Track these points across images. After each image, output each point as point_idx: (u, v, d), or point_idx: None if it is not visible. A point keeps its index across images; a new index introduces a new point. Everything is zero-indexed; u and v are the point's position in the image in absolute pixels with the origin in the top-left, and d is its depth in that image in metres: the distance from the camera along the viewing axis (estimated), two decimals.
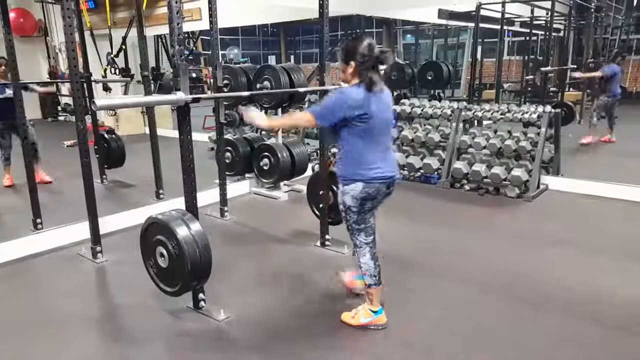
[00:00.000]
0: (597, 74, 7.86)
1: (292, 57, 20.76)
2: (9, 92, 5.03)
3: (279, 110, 5.39)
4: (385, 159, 2.63)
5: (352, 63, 2.51)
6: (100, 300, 3.30)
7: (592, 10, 10.98)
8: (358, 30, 10.79)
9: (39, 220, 4.15)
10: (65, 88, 11.68)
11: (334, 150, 6.60)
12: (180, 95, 2.57)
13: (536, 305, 3.00)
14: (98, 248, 3.73)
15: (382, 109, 2.55)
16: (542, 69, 8.24)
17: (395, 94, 8.81)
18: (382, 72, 2.58)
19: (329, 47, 3.68)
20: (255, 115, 2.75)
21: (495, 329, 2.75)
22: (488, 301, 3.06)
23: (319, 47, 3.63)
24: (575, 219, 4.65)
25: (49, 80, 11.53)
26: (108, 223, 4.19)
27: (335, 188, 3.81)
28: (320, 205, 3.84)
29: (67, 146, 8.13)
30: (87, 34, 6.10)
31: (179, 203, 3.09)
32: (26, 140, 4.22)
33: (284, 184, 5.55)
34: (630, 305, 2.97)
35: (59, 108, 12.25)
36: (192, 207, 2.79)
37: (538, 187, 5.32)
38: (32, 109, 12.10)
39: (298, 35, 21.78)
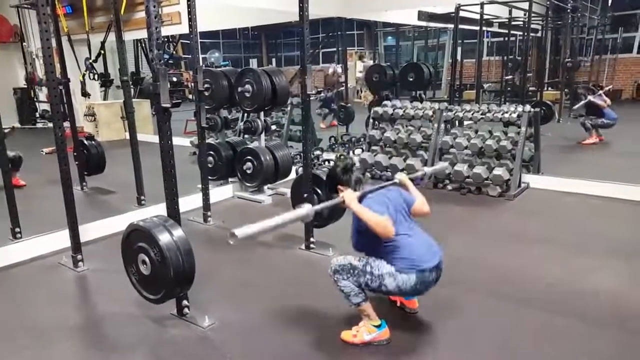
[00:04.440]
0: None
1: (273, 60, 20.76)
2: None
3: (261, 113, 5.37)
4: (424, 242, 2.63)
5: (341, 187, 2.66)
6: (82, 309, 3.24)
7: (569, 10, 11.18)
8: (339, 33, 10.80)
9: (17, 230, 4.06)
10: (43, 94, 11.52)
11: (317, 152, 6.62)
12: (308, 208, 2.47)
13: (520, 302, 3.03)
14: (79, 256, 3.66)
15: (392, 204, 2.61)
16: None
17: (376, 96, 8.84)
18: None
19: (310, 50, 3.68)
20: (351, 195, 2.55)
21: (480, 327, 2.77)
22: (472, 300, 3.08)
23: (301, 50, 3.62)
24: (556, 217, 4.72)
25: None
26: (89, 231, 4.13)
27: (319, 191, 3.83)
28: None
29: (45, 153, 7.99)
30: (64, 39, 6.00)
31: (161, 209, 3.06)
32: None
33: (268, 188, 5.53)
34: (613, 301, 3.01)
35: (37, 114, 12.04)
36: (174, 213, 2.76)
37: (519, 185, 5.39)
38: (8, 116, 11.90)
39: (279, 38, 21.74)
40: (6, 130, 5.68)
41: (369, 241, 2.55)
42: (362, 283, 2.54)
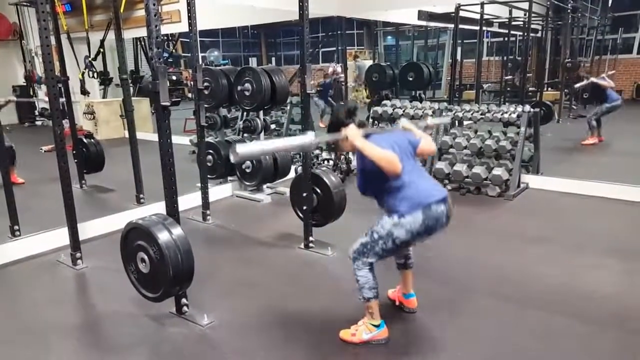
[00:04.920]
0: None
1: (273, 59, 20.72)
2: None
3: (261, 112, 5.37)
4: (428, 181, 2.55)
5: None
6: (80, 307, 3.24)
7: (569, 11, 11.17)
8: (339, 32, 10.81)
9: (16, 227, 4.06)
10: (42, 92, 11.51)
11: (316, 152, 6.61)
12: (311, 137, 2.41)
13: (519, 302, 3.03)
14: (78, 254, 3.66)
15: (397, 144, 2.49)
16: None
17: (376, 95, 8.85)
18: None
19: (310, 49, 3.67)
20: (354, 131, 2.44)
21: (479, 326, 2.77)
22: (472, 299, 3.08)
23: (300, 49, 3.62)
24: (555, 217, 4.72)
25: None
26: (88, 229, 4.13)
27: (319, 190, 3.83)
28: (304, 208, 3.83)
29: (44, 151, 7.98)
30: (64, 37, 5.99)
31: (160, 207, 3.06)
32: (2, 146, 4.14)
33: (267, 187, 5.53)
34: (612, 301, 3.02)
35: (36, 112, 12.03)
36: (173, 212, 2.75)
37: (518, 185, 5.39)
38: (7, 114, 11.88)
39: (279, 37, 21.71)
40: (1, 101, 5.68)
41: (374, 181, 2.46)
42: (381, 253, 2.48)
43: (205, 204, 4.68)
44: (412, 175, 2.45)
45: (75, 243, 3.66)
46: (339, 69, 11.42)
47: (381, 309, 2.64)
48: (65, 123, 4.86)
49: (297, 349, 2.60)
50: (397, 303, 2.94)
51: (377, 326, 2.58)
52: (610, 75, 8.68)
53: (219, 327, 2.80)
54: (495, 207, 5.01)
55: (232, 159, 2.21)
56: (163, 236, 2.55)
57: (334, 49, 12.23)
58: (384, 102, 6.82)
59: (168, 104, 2.62)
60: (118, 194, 5.72)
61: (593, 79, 8.13)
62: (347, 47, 11.66)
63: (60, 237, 3.89)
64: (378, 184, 2.46)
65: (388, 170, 2.33)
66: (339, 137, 2.49)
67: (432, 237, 2.50)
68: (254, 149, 2.35)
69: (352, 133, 2.41)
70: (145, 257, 2.63)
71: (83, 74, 9.14)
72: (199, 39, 4.39)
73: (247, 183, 5.36)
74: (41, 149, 8.14)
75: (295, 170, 5.86)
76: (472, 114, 5.91)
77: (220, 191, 5.48)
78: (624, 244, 3.94)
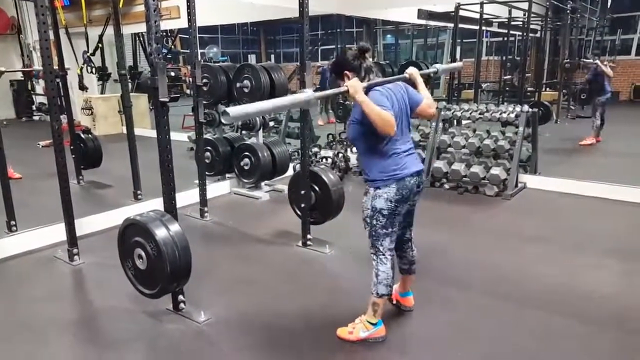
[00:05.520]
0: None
1: (272, 56, 20.71)
2: None
3: None
4: (411, 155, 2.54)
5: (347, 73, 2.48)
6: (77, 303, 3.24)
7: (568, 11, 11.18)
8: (338, 30, 10.80)
9: (13, 223, 4.04)
10: (39, 86, 11.47)
11: (314, 149, 6.60)
12: (310, 93, 2.32)
13: (517, 302, 3.03)
14: (75, 250, 3.65)
15: (397, 103, 2.46)
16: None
17: None
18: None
19: (310, 47, 3.66)
20: (356, 84, 2.33)
21: (479, 326, 2.77)
22: (470, 299, 3.09)
23: (300, 47, 3.61)
24: (553, 217, 4.73)
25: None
26: (85, 225, 4.11)
27: (317, 188, 3.82)
28: (302, 205, 3.83)
29: (42, 146, 7.95)
30: (62, 31, 5.97)
31: (158, 204, 3.06)
32: None
33: (265, 184, 5.53)
34: (610, 302, 3.02)
35: (33, 107, 11.99)
36: (170, 208, 2.75)
37: (516, 185, 5.39)
38: (5, 108, 11.86)
39: (278, 35, 21.69)
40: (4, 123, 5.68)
41: (363, 136, 2.44)
42: (383, 232, 2.50)
43: (203, 200, 4.67)
44: (396, 144, 2.46)
45: (72, 239, 3.64)
46: None
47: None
48: (63, 118, 4.84)
49: (294, 347, 2.60)
50: (394, 302, 2.93)
51: (374, 324, 2.58)
52: (611, 66, 8.63)
53: (216, 324, 2.80)
54: (493, 207, 5.01)
55: (223, 120, 2.09)
56: (160, 233, 2.54)
57: (333, 46, 12.21)
58: None
59: (167, 100, 2.61)
60: (115, 190, 5.70)
61: (599, 63, 8.02)
62: (347, 45, 11.64)
63: (57, 232, 3.88)
64: (366, 140, 2.46)
65: (382, 130, 2.29)
66: (339, 91, 2.43)
67: (406, 207, 2.54)
68: (249, 109, 2.15)
69: (353, 88, 2.32)
70: (143, 254, 2.62)
71: (81, 69, 9.10)
72: (198, 35, 4.38)
73: (245, 180, 5.36)
74: (38, 144, 8.11)
75: (294, 167, 5.85)
76: (470, 114, 5.91)
77: (218, 188, 5.47)
78: (623, 244, 3.95)
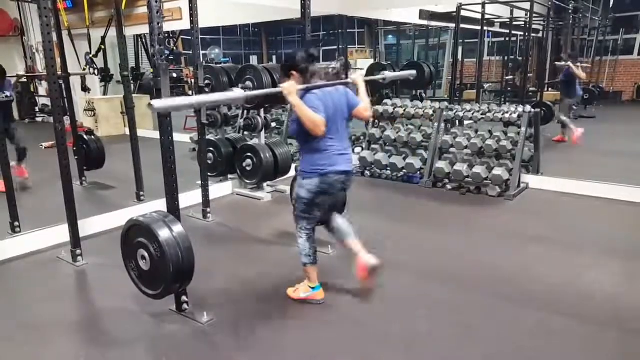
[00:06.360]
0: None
1: (274, 57, 20.70)
2: (4, 95, 5.00)
3: (261, 110, 5.37)
4: (343, 155, 2.83)
5: (294, 73, 2.73)
6: (80, 304, 3.25)
7: (570, 11, 11.17)
8: (340, 31, 10.80)
9: (16, 224, 4.06)
10: (43, 88, 11.50)
11: None
12: (239, 92, 2.50)
13: (519, 302, 3.03)
14: (78, 251, 3.66)
15: (334, 106, 2.74)
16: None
17: (377, 94, 8.84)
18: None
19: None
20: (291, 87, 2.59)
21: (480, 326, 2.77)
22: (472, 299, 3.09)
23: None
24: (555, 217, 4.72)
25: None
26: (88, 226, 4.13)
27: None
28: None
29: (45, 148, 7.98)
30: (65, 33, 5.98)
31: (161, 205, 3.06)
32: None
33: (267, 185, 5.53)
34: (610, 302, 3.02)
35: (37, 109, 12.02)
36: (173, 209, 2.76)
37: (519, 185, 5.39)
38: None
39: (280, 36, 21.69)
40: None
41: (301, 133, 2.70)
42: (302, 215, 2.92)
43: (206, 201, 4.68)
44: (328, 143, 2.76)
45: (76, 240, 3.66)
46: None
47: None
48: (66, 120, 4.86)
49: (294, 345, 2.61)
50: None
51: (312, 288, 2.99)
52: (584, 68, 8.66)
53: (219, 324, 2.81)
54: (496, 207, 5.01)
55: (151, 110, 2.20)
56: (164, 233, 2.55)
57: (335, 47, 12.22)
58: (385, 100, 6.81)
59: None
60: (118, 191, 5.72)
61: (571, 64, 8.05)
62: (348, 46, 11.65)
63: (60, 233, 3.89)
64: (303, 137, 2.73)
65: (311, 130, 2.60)
66: (273, 91, 2.71)
67: (331, 198, 2.96)
68: (174, 102, 2.31)
69: (287, 90, 2.58)
70: (146, 255, 2.63)
71: (84, 70, 9.11)
72: (200, 36, 4.39)
73: (248, 181, 5.36)
74: (41, 145, 8.14)
75: (296, 168, 5.86)
76: (472, 114, 5.91)
77: (220, 189, 5.48)
78: (624, 244, 3.95)
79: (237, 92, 2.49)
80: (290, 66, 2.76)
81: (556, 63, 8.72)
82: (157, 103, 2.13)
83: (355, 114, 2.91)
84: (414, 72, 4.03)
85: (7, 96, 4.97)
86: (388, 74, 3.39)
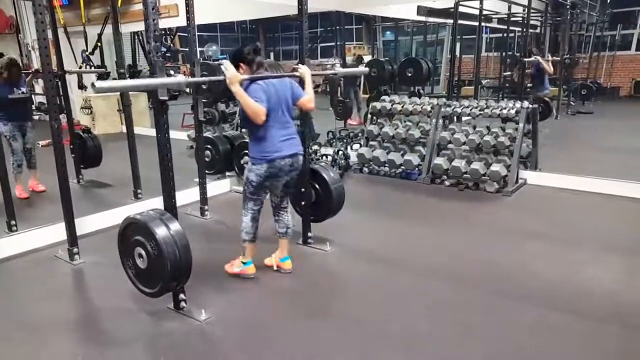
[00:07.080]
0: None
1: (271, 53, 20.66)
2: (20, 92, 4.98)
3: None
4: (287, 140, 3.04)
5: (242, 65, 2.94)
6: (78, 302, 3.23)
7: (568, 7, 11.15)
8: (338, 27, 10.77)
9: (13, 222, 4.04)
10: (39, 86, 11.44)
11: (314, 147, 6.59)
12: (180, 78, 2.59)
13: (518, 298, 3.03)
14: (75, 249, 3.65)
15: (277, 96, 2.94)
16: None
17: (375, 91, 8.81)
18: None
19: (309, 44, 3.65)
20: (234, 77, 2.78)
21: (480, 324, 2.77)
22: (471, 296, 3.08)
23: (299, 44, 3.60)
24: (553, 213, 4.72)
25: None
26: (85, 224, 4.11)
27: (317, 186, 3.82)
28: (302, 203, 3.82)
29: (41, 146, 7.93)
30: (60, 31, 5.95)
31: (158, 203, 3.05)
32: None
33: None
34: (608, 298, 3.02)
35: (33, 107, 11.95)
36: (170, 207, 2.74)
37: (517, 181, 5.38)
38: None
39: (277, 32, 21.65)
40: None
41: (247, 122, 2.92)
42: (249, 197, 3.14)
43: (203, 199, 4.66)
44: (272, 130, 2.97)
45: (73, 238, 3.64)
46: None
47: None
48: (63, 118, 4.83)
49: (293, 344, 2.60)
50: (274, 268, 3.39)
51: (244, 263, 3.25)
52: (552, 62, 8.68)
53: (217, 322, 2.80)
54: (494, 203, 5.01)
55: (92, 90, 2.34)
56: (161, 231, 2.54)
57: (333, 44, 12.19)
58: (383, 97, 6.80)
59: (166, 98, 2.60)
60: (115, 189, 5.70)
61: (540, 59, 8.04)
62: (346, 43, 11.62)
63: (57, 232, 3.88)
64: (248, 125, 2.97)
65: (252, 119, 2.81)
66: (217, 79, 2.90)
67: (280, 181, 3.15)
68: (116, 84, 2.64)
69: (230, 79, 2.76)
70: (143, 253, 2.62)
71: (80, 68, 9.07)
72: (197, 33, 4.36)
73: None
74: (38, 143, 8.08)
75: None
76: (470, 110, 5.91)
77: (218, 186, 5.46)
78: (623, 240, 3.95)
79: (178, 77, 2.59)
80: (238, 58, 2.94)
81: (525, 59, 8.71)
82: (99, 84, 2.30)
83: (299, 104, 3.13)
84: (366, 69, 4.16)
85: (23, 92, 4.97)
86: (340, 70, 3.61)
